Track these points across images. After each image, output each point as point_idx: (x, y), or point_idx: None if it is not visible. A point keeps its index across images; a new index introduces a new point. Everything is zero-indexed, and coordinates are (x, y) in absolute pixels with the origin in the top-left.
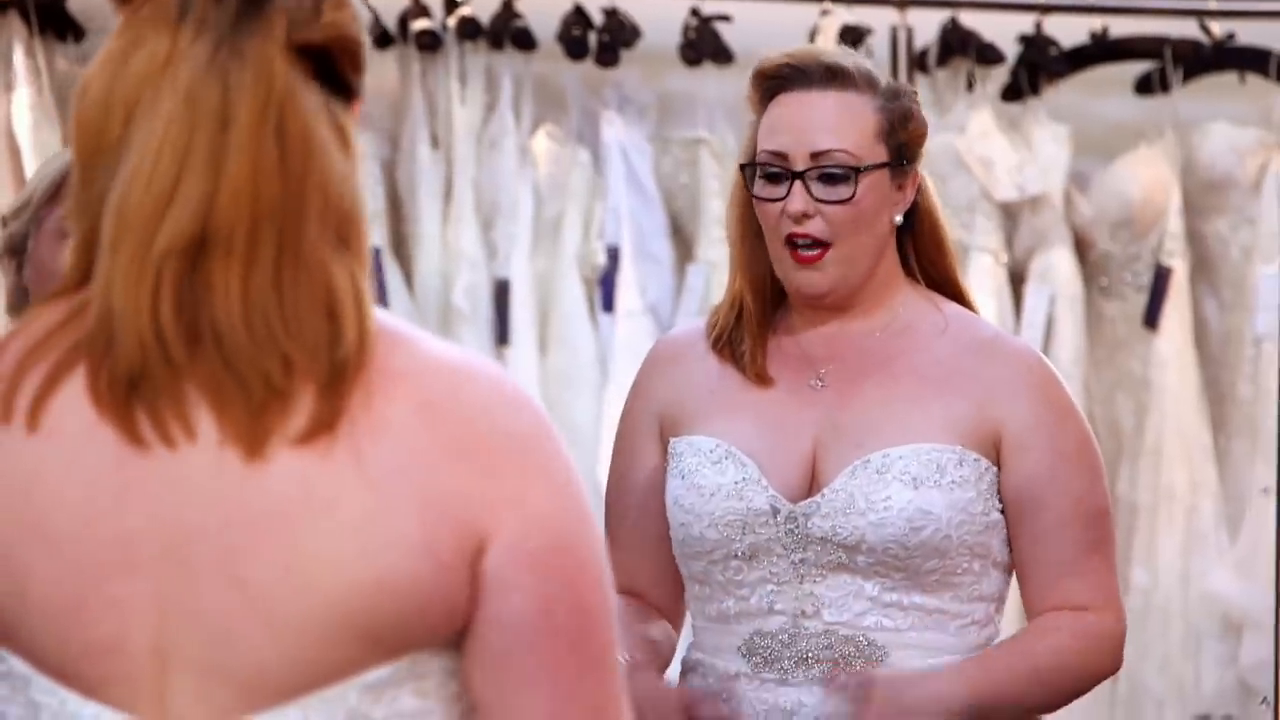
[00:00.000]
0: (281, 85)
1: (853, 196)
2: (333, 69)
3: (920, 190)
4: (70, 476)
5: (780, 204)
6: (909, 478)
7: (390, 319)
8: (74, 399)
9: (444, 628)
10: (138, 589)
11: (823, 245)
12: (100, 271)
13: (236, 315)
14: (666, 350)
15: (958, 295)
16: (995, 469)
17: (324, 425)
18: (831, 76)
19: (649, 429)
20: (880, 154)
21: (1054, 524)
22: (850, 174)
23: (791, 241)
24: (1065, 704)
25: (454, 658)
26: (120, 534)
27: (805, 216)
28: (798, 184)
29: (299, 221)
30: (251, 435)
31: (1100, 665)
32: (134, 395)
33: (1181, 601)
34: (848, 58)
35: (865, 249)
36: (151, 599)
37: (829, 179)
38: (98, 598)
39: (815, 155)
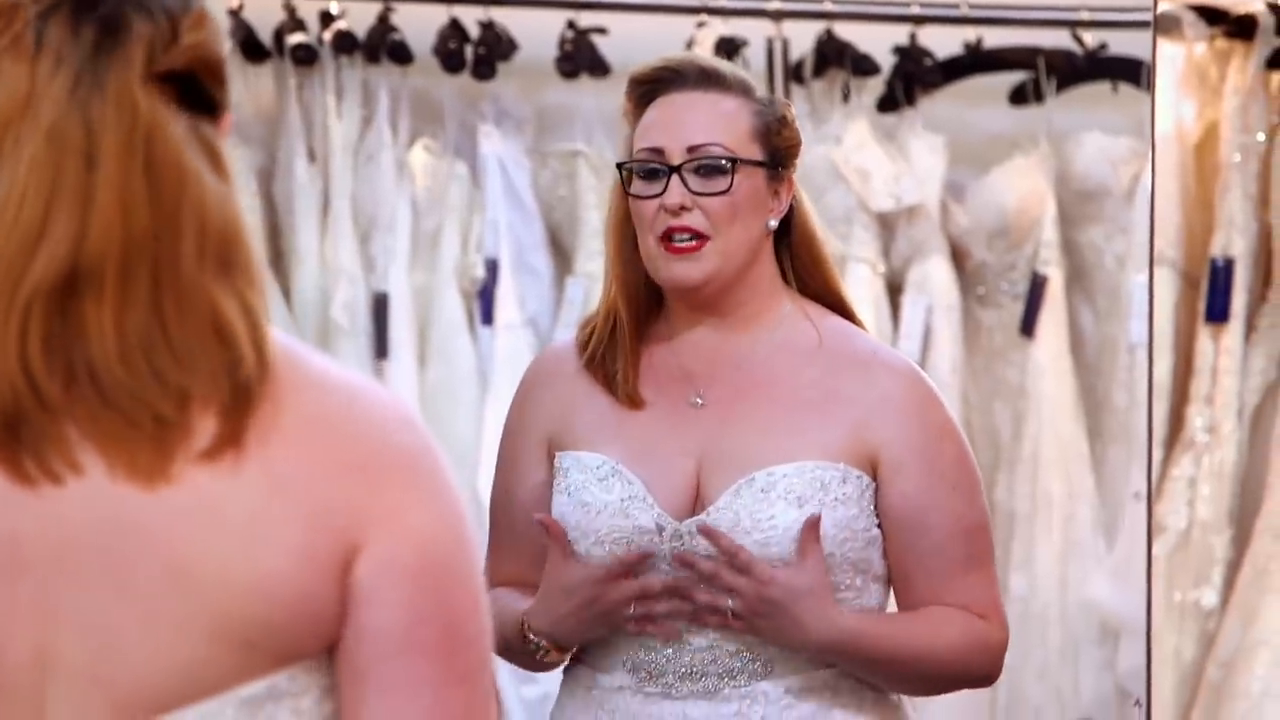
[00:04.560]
0: (146, 118)
1: (730, 188)
2: (197, 89)
3: (795, 199)
4: None
5: (657, 200)
6: (793, 496)
7: (280, 335)
8: None
9: (319, 637)
10: (23, 594)
11: (701, 238)
12: None
13: (112, 353)
14: (549, 363)
15: (838, 304)
16: (874, 484)
17: (228, 443)
18: (707, 79)
19: (536, 443)
20: (756, 153)
21: (933, 542)
22: (727, 166)
23: (668, 235)
24: (932, 693)
25: (332, 676)
26: (7, 538)
27: (683, 209)
28: (675, 177)
29: (174, 252)
30: (149, 468)
31: (979, 668)
32: (13, 437)
33: (1059, 608)
34: (723, 64)
35: (741, 245)
36: (37, 605)
37: (705, 171)
38: None
39: (692, 149)
